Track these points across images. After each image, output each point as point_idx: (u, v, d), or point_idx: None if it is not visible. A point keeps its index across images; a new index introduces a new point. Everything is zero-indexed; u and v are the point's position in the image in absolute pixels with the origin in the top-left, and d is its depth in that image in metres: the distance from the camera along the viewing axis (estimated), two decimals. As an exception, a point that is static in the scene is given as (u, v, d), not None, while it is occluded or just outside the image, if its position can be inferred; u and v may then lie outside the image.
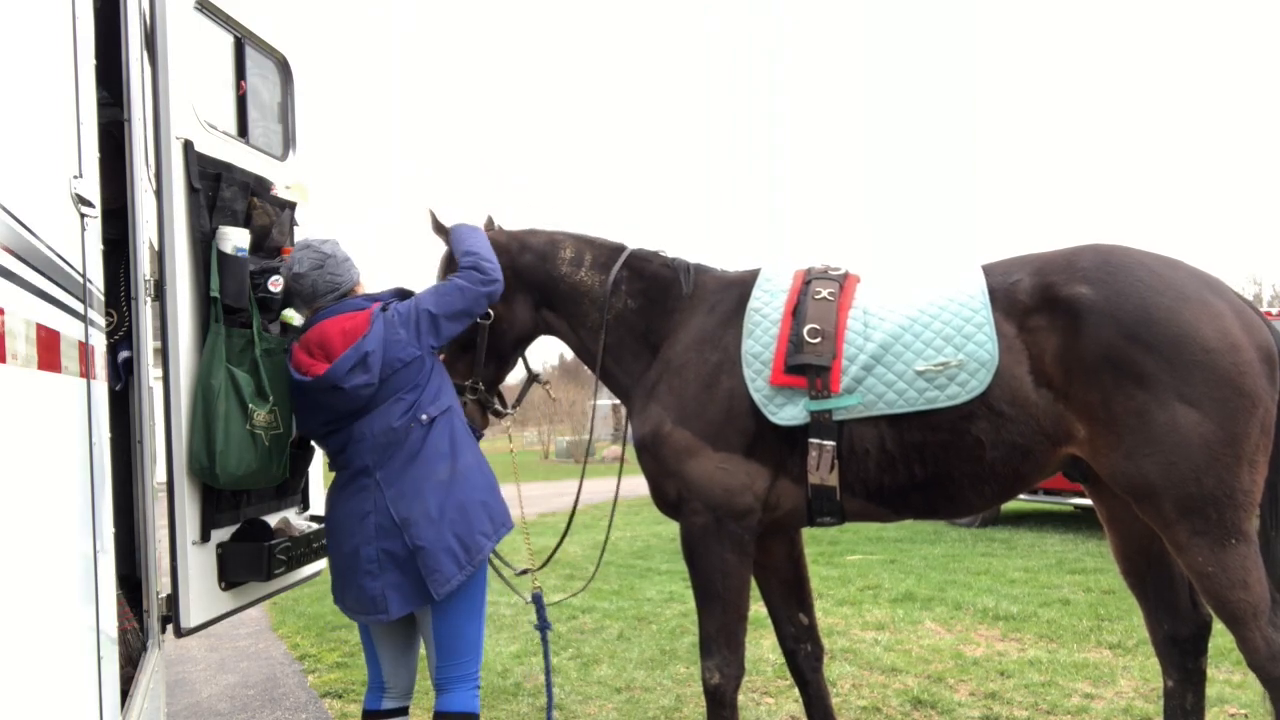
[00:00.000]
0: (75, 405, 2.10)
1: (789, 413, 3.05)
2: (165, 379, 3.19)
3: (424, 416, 2.95)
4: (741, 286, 3.35)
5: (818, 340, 3.07)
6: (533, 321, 3.53)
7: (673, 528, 11.47)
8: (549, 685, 3.66)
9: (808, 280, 3.25)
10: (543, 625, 3.57)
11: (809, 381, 3.04)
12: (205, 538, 3.31)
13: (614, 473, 3.80)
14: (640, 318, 3.43)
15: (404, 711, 3.18)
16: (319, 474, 4.16)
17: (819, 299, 3.16)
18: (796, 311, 3.16)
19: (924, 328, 3.02)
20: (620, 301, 3.45)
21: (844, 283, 3.22)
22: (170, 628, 3.28)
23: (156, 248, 3.31)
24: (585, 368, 3.63)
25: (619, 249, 3.55)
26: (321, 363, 2.91)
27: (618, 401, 3.71)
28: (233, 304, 3.29)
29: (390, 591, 2.88)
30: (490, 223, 3.60)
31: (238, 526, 3.49)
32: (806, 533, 3.67)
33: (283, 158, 3.97)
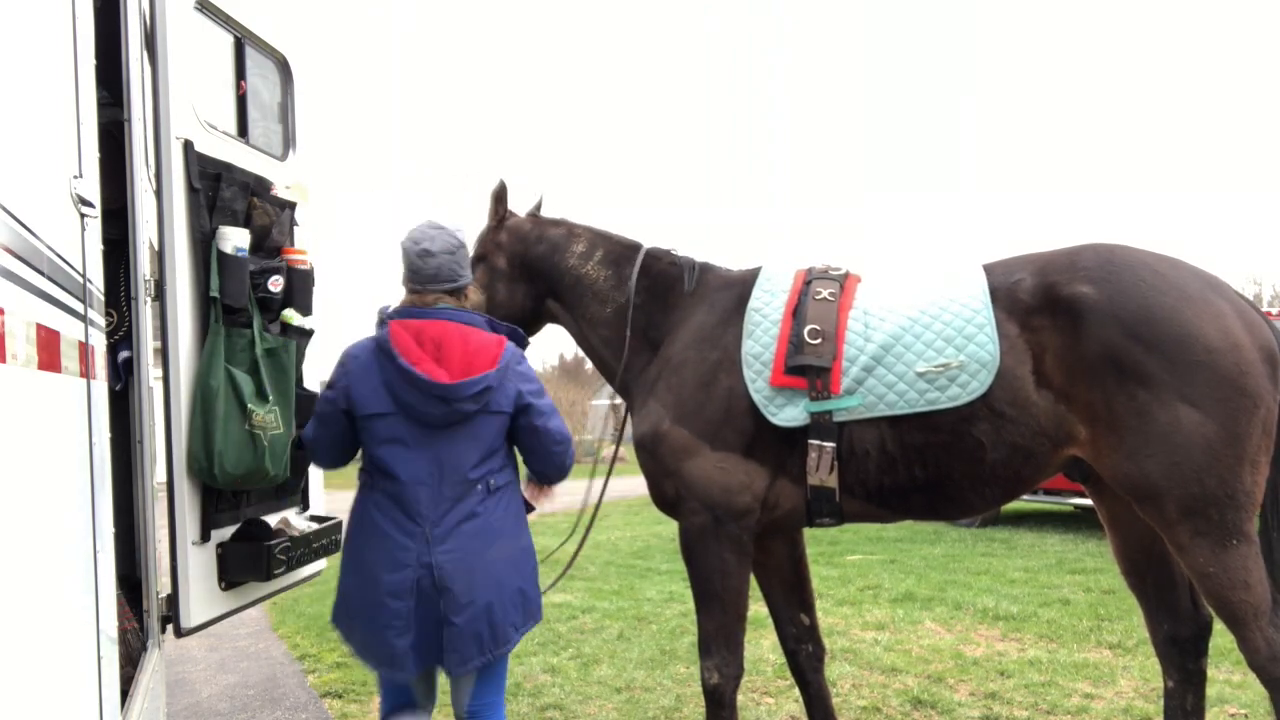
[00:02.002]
0: (75, 405, 2.10)
1: (789, 414, 3.05)
2: (165, 379, 3.19)
3: (493, 482, 2.74)
4: (741, 285, 3.35)
5: (818, 341, 3.07)
6: (534, 309, 3.63)
7: (673, 528, 11.48)
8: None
9: (808, 280, 3.25)
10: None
11: (809, 382, 3.04)
12: (205, 538, 3.31)
13: (615, 472, 3.80)
14: (641, 313, 3.46)
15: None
16: (319, 474, 4.16)
17: (819, 299, 3.16)
18: (797, 312, 3.15)
19: (925, 328, 3.01)
20: (624, 297, 3.47)
21: (844, 283, 3.22)
22: (170, 628, 3.28)
23: (156, 248, 3.31)
24: (584, 369, 3.66)
25: (634, 246, 3.60)
26: (431, 361, 2.66)
27: (617, 401, 3.73)
28: (233, 304, 3.29)
29: (413, 653, 2.65)
30: (540, 205, 3.78)
31: (238, 526, 3.49)
32: (806, 533, 3.68)
33: (283, 158, 3.97)
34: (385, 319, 2.76)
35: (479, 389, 2.67)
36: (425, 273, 2.79)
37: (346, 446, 2.84)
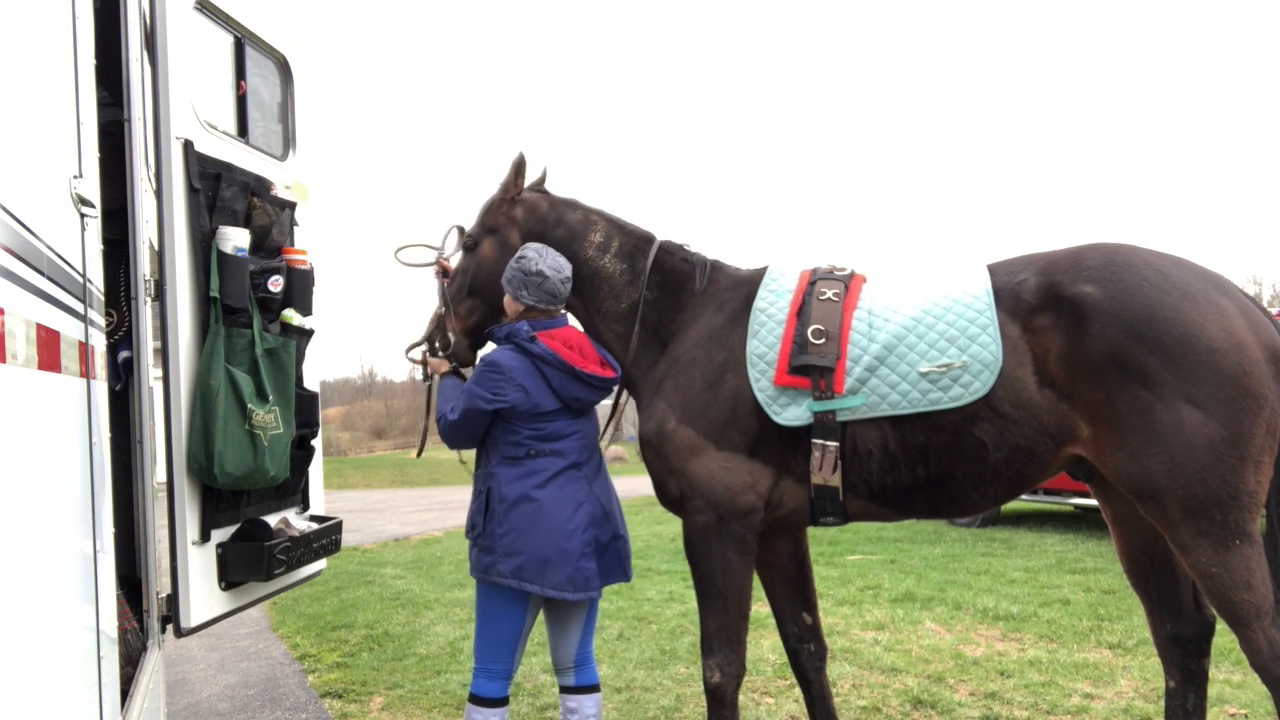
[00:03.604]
0: (75, 405, 2.10)
1: (793, 413, 3.05)
2: (165, 379, 3.19)
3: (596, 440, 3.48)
4: (749, 285, 3.34)
5: (822, 341, 3.06)
6: None
7: (673, 528, 11.47)
8: None
9: (813, 280, 3.24)
10: None
11: (813, 382, 3.04)
12: (205, 538, 3.31)
13: (615, 472, 3.81)
14: (653, 310, 3.44)
15: None
16: (319, 474, 4.16)
17: (824, 300, 3.15)
18: (801, 312, 3.15)
19: (928, 329, 3.01)
20: (638, 292, 3.44)
21: (849, 283, 3.21)
22: (170, 628, 3.27)
23: (156, 248, 3.31)
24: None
25: (648, 239, 3.54)
26: (580, 360, 3.25)
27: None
28: (233, 304, 3.29)
29: (598, 576, 3.26)
30: (544, 179, 3.68)
31: (238, 526, 3.49)
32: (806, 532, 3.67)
33: (283, 158, 3.97)
34: (532, 335, 3.22)
35: (618, 380, 3.41)
36: (562, 295, 3.32)
37: (481, 434, 3.30)
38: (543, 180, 3.69)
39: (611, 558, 3.30)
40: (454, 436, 3.26)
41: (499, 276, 3.42)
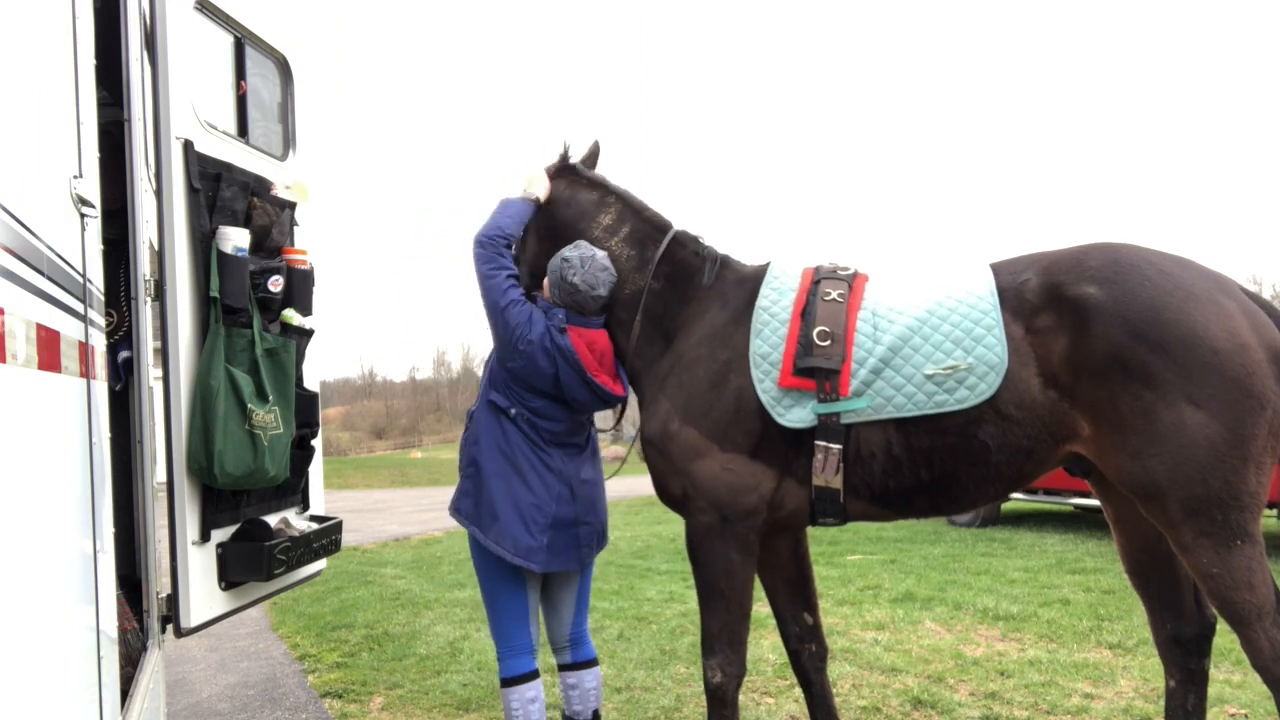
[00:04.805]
0: (75, 405, 2.10)
1: (797, 415, 3.04)
2: (165, 379, 3.19)
3: (592, 432, 3.53)
4: (752, 282, 3.32)
5: (827, 343, 3.04)
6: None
7: (672, 528, 11.47)
8: None
9: (816, 280, 3.22)
10: None
11: (817, 384, 3.02)
12: (205, 538, 3.31)
13: (616, 473, 3.80)
14: (658, 300, 3.41)
15: None
16: (319, 474, 4.16)
17: (828, 300, 3.14)
18: (805, 313, 3.12)
19: (933, 330, 2.99)
20: (644, 280, 3.43)
21: (853, 283, 3.20)
22: (170, 628, 3.27)
23: (156, 248, 3.31)
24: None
25: (662, 227, 3.50)
26: (600, 370, 3.29)
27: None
28: (233, 304, 3.29)
29: (545, 550, 3.26)
30: (565, 158, 3.62)
31: (238, 526, 3.48)
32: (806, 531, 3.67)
33: (283, 158, 3.97)
34: (562, 327, 3.23)
35: (623, 400, 3.43)
36: (589, 309, 3.31)
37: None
38: (591, 156, 3.64)
39: (567, 539, 3.30)
40: (483, 250, 3.31)
41: (535, 256, 3.51)
